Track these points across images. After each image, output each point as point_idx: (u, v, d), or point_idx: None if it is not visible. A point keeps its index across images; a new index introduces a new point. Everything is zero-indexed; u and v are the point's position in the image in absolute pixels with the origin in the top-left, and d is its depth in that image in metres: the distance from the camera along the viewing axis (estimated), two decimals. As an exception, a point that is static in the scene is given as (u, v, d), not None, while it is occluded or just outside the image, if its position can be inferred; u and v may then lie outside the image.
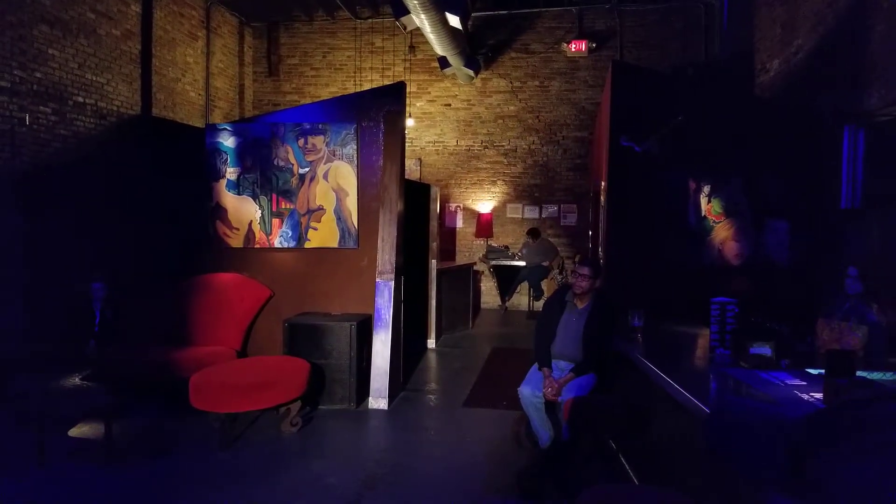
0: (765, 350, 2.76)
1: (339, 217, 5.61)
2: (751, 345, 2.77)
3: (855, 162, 5.53)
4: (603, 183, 5.87)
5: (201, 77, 9.91)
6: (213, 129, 5.86)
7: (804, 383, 2.45)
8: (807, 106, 6.32)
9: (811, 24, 6.45)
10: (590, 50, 10.34)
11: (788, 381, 2.50)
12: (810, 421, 0.65)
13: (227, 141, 5.76)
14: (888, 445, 0.56)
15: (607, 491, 2.35)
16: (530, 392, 3.82)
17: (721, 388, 2.58)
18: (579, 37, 10.41)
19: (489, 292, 11.19)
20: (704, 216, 5.44)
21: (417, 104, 11.16)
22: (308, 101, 11.04)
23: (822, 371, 2.59)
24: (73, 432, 4.40)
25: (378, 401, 5.14)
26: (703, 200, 5.44)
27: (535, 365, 4.01)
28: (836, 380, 1.99)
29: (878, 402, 0.61)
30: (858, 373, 2.64)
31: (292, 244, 5.70)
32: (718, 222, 5.44)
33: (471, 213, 11.19)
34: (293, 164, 5.67)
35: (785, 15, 7.14)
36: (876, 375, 2.67)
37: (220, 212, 5.78)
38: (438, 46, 9.25)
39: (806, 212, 5.37)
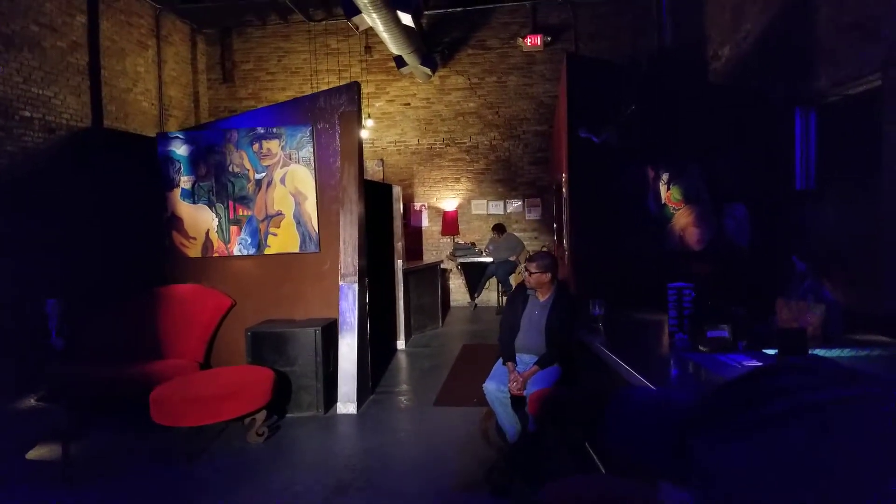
0: (722, 333, 2.77)
1: (299, 221, 5.52)
2: (708, 328, 2.78)
3: (808, 143, 5.62)
4: (564, 175, 5.88)
5: (153, 86, 9.70)
6: (164, 138, 5.72)
7: (760, 363, 2.46)
8: (758, 90, 6.41)
9: (759, 8, 6.55)
10: (545, 44, 10.38)
11: (745, 363, 2.52)
12: (697, 400, 0.63)
13: (180, 149, 5.63)
14: (767, 421, 0.54)
15: (571, 482, 2.33)
16: (495, 387, 3.80)
17: (681, 373, 2.59)
18: (534, 31, 10.45)
19: (458, 290, 11.18)
20: (664, 204, 5.48)
21: (376, 104, 11.09)
22: (265, 105, 10.90)
23: (776, 350, 2.61)
24: (31, 455, 4.25)
25: (346, 405, 5.08)
26: (663, 188, 5.48)
27: (500, 360, 4.00)
28: (788, 358, 2.01)
29: (764, 376, 0.59)
30: (815, 351, 2.68)
31: (252, 251, 5.60)
32: (678, 209, 5.48)
33: (436, 212, 11.16)
34: (249, 170, 5.56)
35: (734, 0, 7.23)
36: (833, 353, 2.70)
37: (175, 222, 5.64)
38: (393, 46, 9.19)
39: (763, 195, 5.44)
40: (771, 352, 2.65)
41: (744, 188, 5.43)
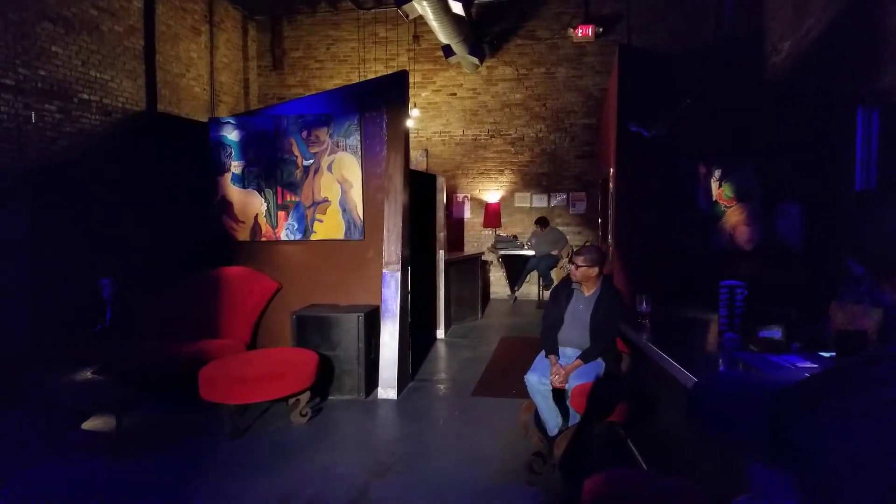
0: (775, 333, 2.71)
1: (345, 209, 5.59)
2: (760, 328, 2.72)
3: (869, 143, 5.42)
4: (611, 170, 5.81)
5: (205, 72, 9.90)
6: (216, 123, 5.85)
7: (815, 365, 2.41)
8: (819, 87, 6.21)
9: (823, 3, 6.33)
10: (596, 35, 10.21)
11: (799, 364, 2.46)
12: (793, 387, 0.63)
13: (231, 134, 5.75)
14: (871, 409, 0.54)
15: (613, 476, 2.32)
16: (537, 379, 3.79)
17: (730, 369, 2.54)
18: (586, 21, 10.27)
19: (498, 282, 11.15)
20: (715, 201, 5.37)
21: (422, 94, 11.10)
22: (313, 93, 11.02)
23: (834, 353, 2.54)
24: (86, 425, 4.42)
25: (387, 391, 5.14)
26: (714, 185, 5.37)
27: (542, 352, 3.98)
28: (886, 347, 1.94)
29: (865, 365, 0.58)
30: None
31: (298, 237, 5.69)
32: (730, 207, 5.36)
33: (478, 203, 11.14)
34: (297, 157, 5.65)
35: (795, -6, 7.01)
36: (890, 357, 2.62)
37: (225, 206, 5.77)
38: (442, 35, 9.19)
39: (819, 195, 5.28)
40: (827, 354, 2.58)
41: (799, 187, 5.27)
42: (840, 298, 3.21)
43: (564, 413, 3.83)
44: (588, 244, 7.88)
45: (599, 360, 3.80)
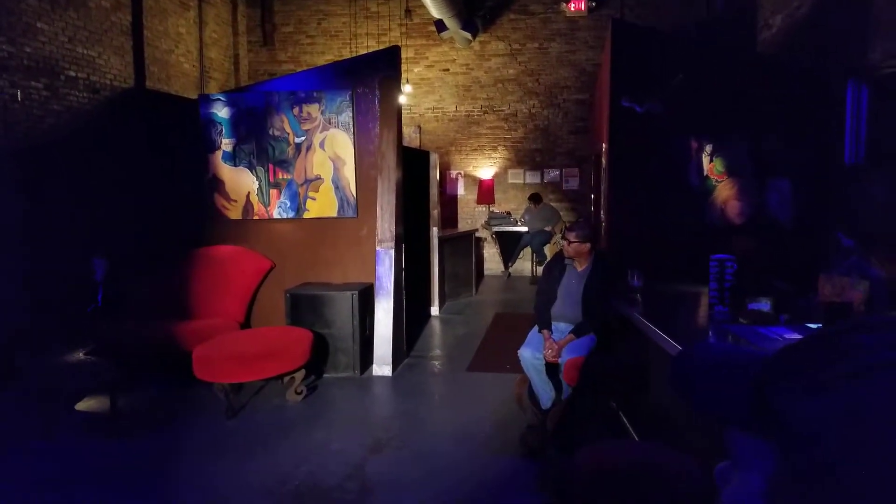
0: (764, 305, 2.75)
1: (337, 186, 5.57)
2: (749, 301, 2.76)
3: (859, 117, 5.44)
4: (604, 145, 5.81)
5: (195, 48, 9.78)
6: (206, 100, 5.80)
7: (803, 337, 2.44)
8: (810, 62, 6.20)
9: (814, -24, 6.29)
10: (589, 9, 10.15)
11: (787, 336, 2.50)
12: (775, 354, 0.64)
13: (222, 112, 5.70)
14: (853, 376, 0.55)
15: (605, 448, 2.36)
16: (530, 354, 3.83)
17: (714, 339, 2.58)
18: (579, -4, 10.20)
19: (492, 259, 11.18)
20: (706, 176, 5.38)
21: (415, 70, 11.01)
22: (304, 69, 10.92)
23: (821, 325, 2.58)
24: (80, 406, 4.45)
25: (382, 368, 5.18)
26: (706, 160, 5.38)
27: (536, 328, 4.02)
28: (871, 316, 1.98)
29: (848, 332, 0.60)
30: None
31: (291, 215, 5.68)
32: (721, 182, 5.38)
33: (472, 180, 11.12)
34: (289, 134, 5.62)
35: (788, -33, 6.96)
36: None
37: (217, 184, 5.75)
38: (434, 9, 9.10)
39: (809, 169, 5.31)
40: (815, 326, 2.62)
41: (789, 162, 5.30)
42: (828, 271, 3.25)
43: (557, 387, 3.88)
44: (580, 220, 7.91)
45: (592, 334, 3.84)
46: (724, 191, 5.38)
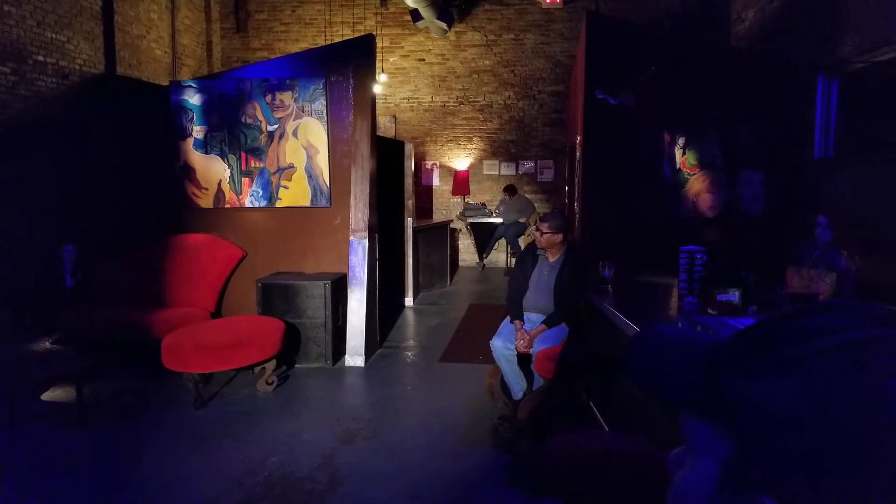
0: (732, 297, 2.78)
1: (311, 175, 5.51)
2: (718, 292, 2.79)
3: (828, 111, 5.53)
4: (579, 137, 5.83)
5: (167, 34, 9.59)
6: (177, 87, 5.69)
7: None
8: (781, 56, 6.28)
9: (787, -29, 6.36)
10: (565, 1, 10.16)
11: (754, 327, 2.52)
12: (726, 339, 0.64)
13: (193, 98, 5.60)
14: (804, 358, 0.55)
15: (574, 438, 2.37)
16: (502, 344, 3.84)
17: (668, 324, 2.60)
18: (554, -13, 10.21)
19: (467, 249, 11.19)
20: (679, 169, 5.43)
21: (390, 59, 10.94)
22: (278, 56, 10.77)
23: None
24: (46, 396, 4.35)
25: (354, 358, 5.15)
26: (678, 153, 5.43)
27: (508, 318, 4.02)
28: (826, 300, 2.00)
29: (798, 317, 0.60)
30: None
31: (263, 203, 5.61)
32: (693, 174, 5.44)
33: (447, 171, 11.10)
34: (261, 122, 5.54)
35: (761, -38, 7.03)
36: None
37: (188, 171, 5.65)
38: (410, -1, 9.02)
39: (780, 162, 5.39)
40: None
41: (760, 155, 5.37)
42: (796, 263, 3.30)
43: (529, 377, 3.90)
44: (554, 211, 7.94)
45: (563, 325, 3.86)
46: (697, 183, 5.44)
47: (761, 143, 5.35)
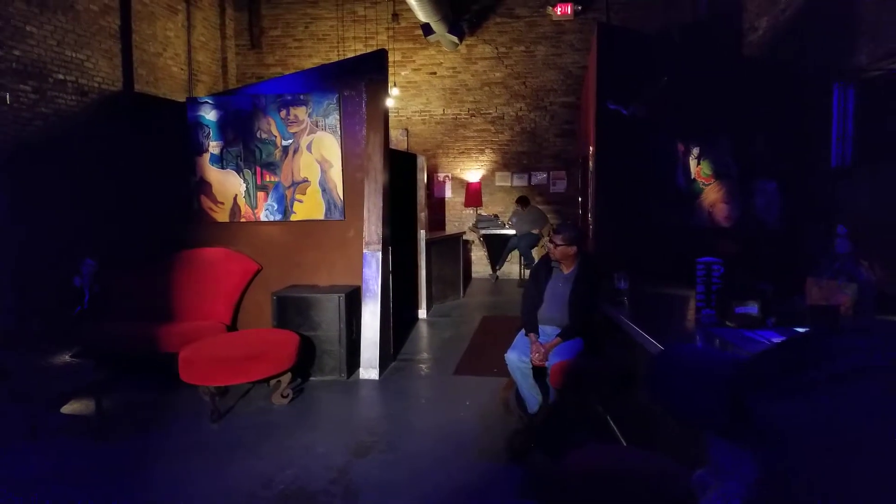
0: (751, 309, 2.75)
1: (324, 189, 5.55)
2: (736, 304, 2.76)
3: (845, 119, 5.48)
4: (591, 148, 5.82)
5: (183, 51, 9.71)
6: (194, 103, 5.75)
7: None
8: (795, 64, 6.25)
9: (799, -20, 6.34)
10: (575, 13, 10.18)
11: (774, 339, 2.50)
12: (751, 359, 0.63)
13: (209, 114, 5.66)
14: (831, 380, 0.54)
15: (591, 452, 2.35)
16: (517, 357, 3.82)
17: (691, 342, 2.57)
18: (565, -1, 10.23)
19: (480, 261, 11.18)
20: (693, 179, 5.40)
21: (402, 73, 11.00)
22: (291, 72, 10.87)
23: (808, 328, 2.58)
24: (66, 409, 4.39)
25: (368, 371, 5.15)
26: (693, 163, 5.40)
27: (522, 331, 4.01)
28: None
29: (825, 337, 0.59)
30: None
31: (278, 217, 5.65)
32: (708, 184, 5.40)
33: (459, 183, 11.12)
34: (276, 137, 5.58)
35: (773, -29, 7.01)
36: (862, 332, 2.66)
37: (204, 186, 5.70)
38: (421, 13, 9.09)
39: (795, 172, 5.34)
40: (802, 330, 2.62)
41: (776, 165, 5.33)
42: (815, 274, 3.26)
43: (544, 391, 3.88)
44: (567, 222, 7.92)
45: (579, 337, 3.84)
46: (712, 193, 5.40)
47: (777, 152, 5.32)
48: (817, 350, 0.60)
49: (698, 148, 5.37)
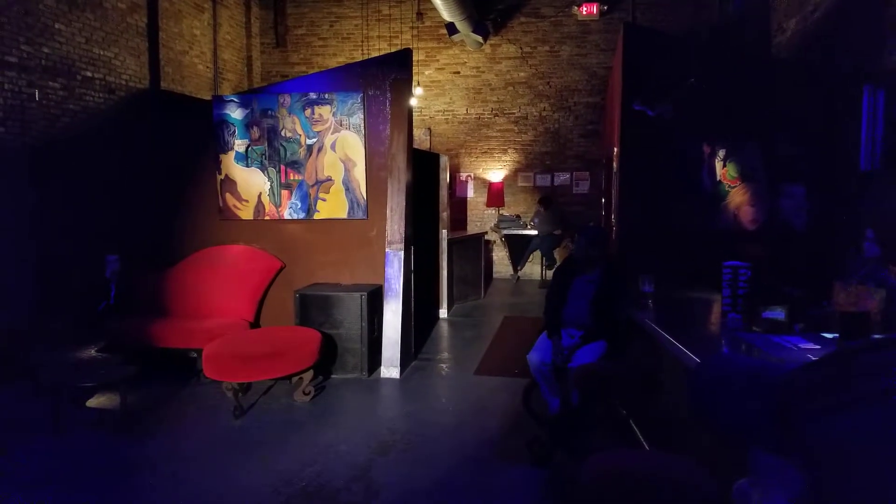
0: (778, 314, 2.71)
1: (348, 188, 5.58)
2: (763, 309, 2.73)
3: (875, 122, 5.38)
4: (615, 149, 5.78)
5: (209, 49, 9.82)
6: (220, 101, 5.82)
7: (818, 347, 2.41)
8: (824, 66, 6.14)
9: (830, -20, 6.24)
10: (601, 13, 10.11)
11: (802, 345, 2.46)
12: (795, 374, 0.62)
13: (235, 113, 5.72)
14: (870, 397, 0.53)
15: (614, 456, 2.33)
16: (539, 359, 3.81)
17: (733, 352, 2.54)
18: (590, -1, 10.16)
19: (501, 262, 11.16)
20: (719, 181, 5.34)
21: (426, 72, 11.01)
22: (316, 71, 10.93)
23: (837, 335, 2.54)
24: (90, 403, 4.46)
25: (390, 370, 5.17)
26: (718, 165, 5.33)
27: (545, 332, 3.99)
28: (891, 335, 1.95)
29: (866, 351, 0.58)
30: (875, 336, 2.60)
31: (302, 215, 5.69)
32: (734, 187, 5.33)
33: (482, 183, 11.10)
34: (300, 135, 5.63)
35: (803, -29, 6.90)
36: (893, 339, 2.62)
37: (229, 184, 5.77)
38: (446, 12, 9.09)
39: (823, 175, 5.26)
40: (830, 335, 2.58)
41: (803, 167, 5.24)
42: (843, 279, 3.20)
43: (566, 393, 3.85)
44: (591, 224, 7.87)
45: (602, 340, 3.81)
46: (738, 196, 5.34)
47: (805, 154, 5.23)
48: (859, 365, 0.59)
49: (724, 150, 5.30)
